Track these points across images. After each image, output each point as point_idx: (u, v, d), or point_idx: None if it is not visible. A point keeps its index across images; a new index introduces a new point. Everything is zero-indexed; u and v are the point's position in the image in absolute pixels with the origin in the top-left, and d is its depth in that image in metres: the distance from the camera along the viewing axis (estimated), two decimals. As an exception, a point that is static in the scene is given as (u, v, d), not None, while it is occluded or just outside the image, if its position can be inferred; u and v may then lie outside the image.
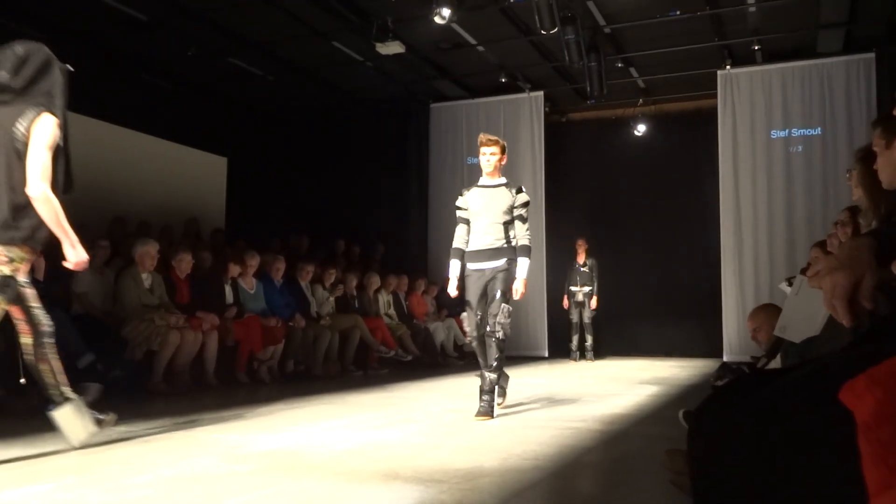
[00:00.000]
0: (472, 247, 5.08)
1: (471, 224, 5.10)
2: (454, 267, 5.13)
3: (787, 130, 10.10)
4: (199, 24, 8.66)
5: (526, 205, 5.07)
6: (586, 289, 10.50)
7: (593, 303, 10.50)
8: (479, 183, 5.16)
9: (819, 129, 9.94)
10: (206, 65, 9.80)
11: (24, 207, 3.32)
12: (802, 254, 8.92)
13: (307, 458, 3.47)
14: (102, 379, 5.78)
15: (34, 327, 3.49)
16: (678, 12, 8.61)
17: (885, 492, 0.74)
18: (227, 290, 7.45)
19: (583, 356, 10.52)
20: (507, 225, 5.01)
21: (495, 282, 4.92)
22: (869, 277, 1.16)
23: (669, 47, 9.54)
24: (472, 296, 5.01)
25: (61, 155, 3.46)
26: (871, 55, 9.58)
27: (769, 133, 10.16)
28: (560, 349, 10.92)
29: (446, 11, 7.70)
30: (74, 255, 3.49)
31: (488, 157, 5.06)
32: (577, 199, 12.00)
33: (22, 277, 3.40)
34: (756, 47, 9.76)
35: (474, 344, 5.03)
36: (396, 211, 11.88)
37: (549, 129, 11.59)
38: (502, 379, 5.15)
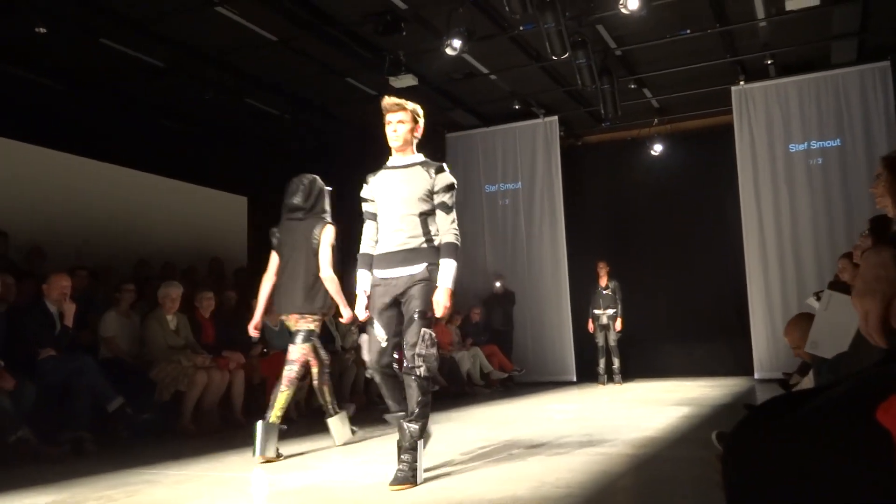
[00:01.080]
0: (379, 248, 3.87)
1: (378, 219, 3.92)
2: (362, 279, 3.88)
3: (805, 143, 10.03)
4: (215, 67, 8.82)
5: (450, 189, 3.83)
6: (610, 311, 10.42)
7: (618, 325, 10.41)
8: (388, 164, 3.96)
9: (838, 140, 9.86)
10: (223, 107, 9.96)
11: (315, 286, 4.92)
12: (829, 267, 8.80)
13: (339, 493, 3.45)
14: (132, 422, 5.83)
15: (319, 361, 5.17)
16: (688, 31, 8.63)
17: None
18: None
19: (611, 379, 10.41)
20: (426, 217, 3.80)
21: (410, 298, 3.70)
22: None
23: (681, 66, 9.54)
24: (377, 313, 3.78)
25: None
26: (887, 63, 9.52)
27: (788, 147, 10.10)
28: (588, 373, 10.82)
29: (457, 43, 7.78)
30: (346, 313, 4.89)
31: (395, 126, 3.87)
32: (597, 221, 11.97)
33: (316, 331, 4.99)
34: (769, 61, 9.74)
35: (376, 378, 3.81)
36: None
37: (566, 154, 11.61)
38: (421, 438, 3.69)
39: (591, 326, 10.57)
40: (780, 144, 10.13)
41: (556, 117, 11.34)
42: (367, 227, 3.97)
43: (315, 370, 5.17)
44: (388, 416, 3.87)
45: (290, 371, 4.82)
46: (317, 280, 4.89)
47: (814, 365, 4.19)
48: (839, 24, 8.68)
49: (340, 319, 5.09)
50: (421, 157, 3.92)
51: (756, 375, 9.87)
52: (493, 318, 11.36)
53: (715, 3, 8.05)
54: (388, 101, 3.90)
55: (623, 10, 7.40)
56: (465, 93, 10.59)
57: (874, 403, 0.81)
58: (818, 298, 4.94)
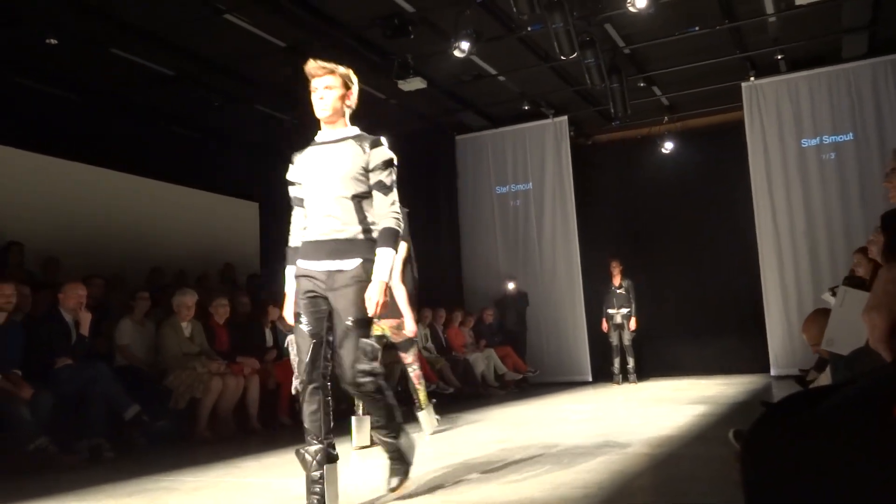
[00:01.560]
0: (306, 236, 3.24)
1: (306, 204, 3.27)
2: (291, 278, 3.27)
3: (818, 138, 9.97)
4: (224, 75, 8.87)
5: (387, 165, 3.22)
6: (624, 311, 10.39)
7: (632, 324, 10.37)
8: (316, 139, 3.36)
9: (851, 134, 9.80)
10: (233, 113, 10.01)
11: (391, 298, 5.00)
12: (845, 261, 8.74)
13: (356, 497, 3.45)
14: (148, 430, 5.85)
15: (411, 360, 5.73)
16: (697, 28, 8.60)
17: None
18: (267, 333, 7.51)
19: (626, 379, 10.37)
20: (361, 201, 3.18)
21: (341, 304, 3.05)
22: None
23: (691, 63, 9.51)
24: (302, 314, 3.12)
25: (410, 262, 5.68)
26: (898, 56, 9.45)
27: (800, 142, 10.04)
28: (604, 373, 10.78)
29: (465, 44, 7.79)
30: (412, 326, 5.44)
31: (321, 93, 3.31)
32: (608, 221, 11.93)
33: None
34: (779, 56, 9.69)
35: (303, 398, 3.11)
36: (428, 244, 11.88)
37: (576, 153, 11.60)
38: (404, 447, 3.35)
39: (605, 326, 10.54)
40: (792, 140, 10.07)
41: (565, 117, 11.33)
42: (296, 215, 3.35)
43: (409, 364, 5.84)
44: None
45: (412, 370, 5.75)
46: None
47: (831, 361, 4.16)
48: (849, 18, 8.62)
49: (405, 332, 5.54)
50: (355, 131, 3.33)
51: (772, 372, 9.81)
52: (507, 320, 11.35)
53: (723, -2, 8.02)
54: (312, 63, 3.32)
55: (631, 9, 7.39)
56: (474, 94, 10.59)
57: (891, 401, 0.80)
58: (833, 294, 4.90)
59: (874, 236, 4.77)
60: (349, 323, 3.04)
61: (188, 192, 9.94)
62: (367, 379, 3.07)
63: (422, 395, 5.78)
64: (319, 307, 3.11)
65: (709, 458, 3.98)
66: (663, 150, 11.52)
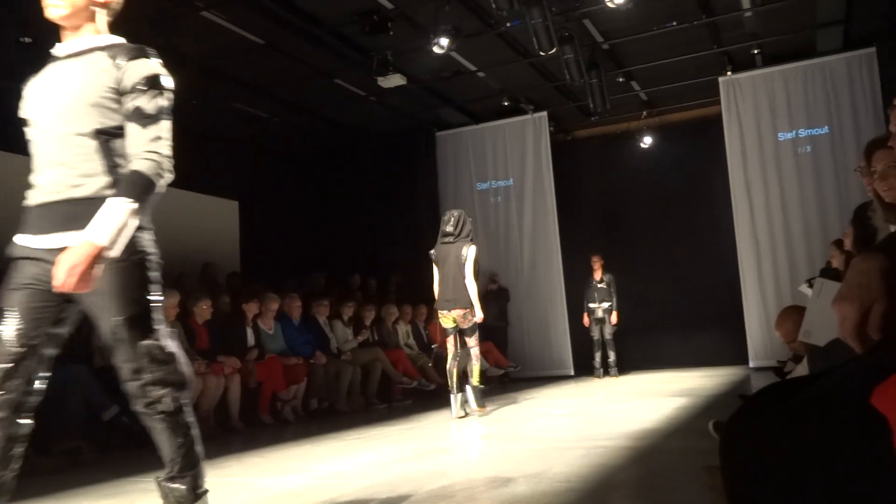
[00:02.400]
0: (30, 198, 2.30)
1: (32, 148, 2.32)
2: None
3: (794, 132, 10.07)
4: (201, 72, 8.78)
5: (152, 85, 2.24)
6: (605, 305, 10.44)
7: (613, 318, 10.42)
8: (54, 52, 2.42)
9: (826, 128, 9.91)
10: (212, 111, 9.93)
11: (463, 291, 6.37)
12: (821, 253, 8.84)
13: (337, 495, 3.44)
14: (127, 430, 5.80)
15: (456, 349, 6.55)
16: (675, 23, 8.65)
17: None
18: (248, 332, 7.47)
19: (607, 373, 10.43)
20: (109, 140, 2.23)
21: (98, 297, 2.15)
22: (878, 307, 1.11)
23: (669, 58, 9.57)
24: (7, 311, 2.17)
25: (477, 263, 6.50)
26: (872, 50, 9.56)
27: (776, 135, 10.14)
28: (585, 367, 10.84)
29: (444, 41, 7.78)
30: (479, 314, 6.46)
31: None
32: (589, 215, 11.99)
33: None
34: (756, 51, 9.77)
35: None
36: (410, 241, 11.90)
37: (556, 149, 11.63)
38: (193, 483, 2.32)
39: (586, 320, 10.59)
40: (769, 133, 10.16)
41: (545, 113, 11.35)
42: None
43: (461, 351, 6.59)
44: None
45: (475, 351, 6.58)
46: (464, 287, 6.38)
47: (808, 353, 4.20)
48: (824, 13, 8.72)
49: (475, 319, 6.46)
50: (108, 39, 2.34)
51: (751, 364, 9.91)
52: (488, 315, 11.34)
53: (700, -6, 8.07)
54: None
55: (609, 4, 7.42)
56: (453, 91, 10.58)
57: (868, 389, 0.81)
58: (810, 285, 4.95)
59: (848, 229, 4.83)
60: (116, 322, 2.16)
61: (167, 192, 9.83)
62: (161, 392, 2.20)
63: (476, 371, 6.59)
64: (45, 303, 2.18)
65: (690, 450, 4.01)
66: (642, 145, 11.58)
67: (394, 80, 8.97)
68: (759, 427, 0.98)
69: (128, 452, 5.59)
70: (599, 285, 10.51)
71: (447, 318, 6.49)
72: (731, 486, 1.03)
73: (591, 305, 10.53)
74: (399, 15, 7.87)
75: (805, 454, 0.90)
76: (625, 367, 10.78)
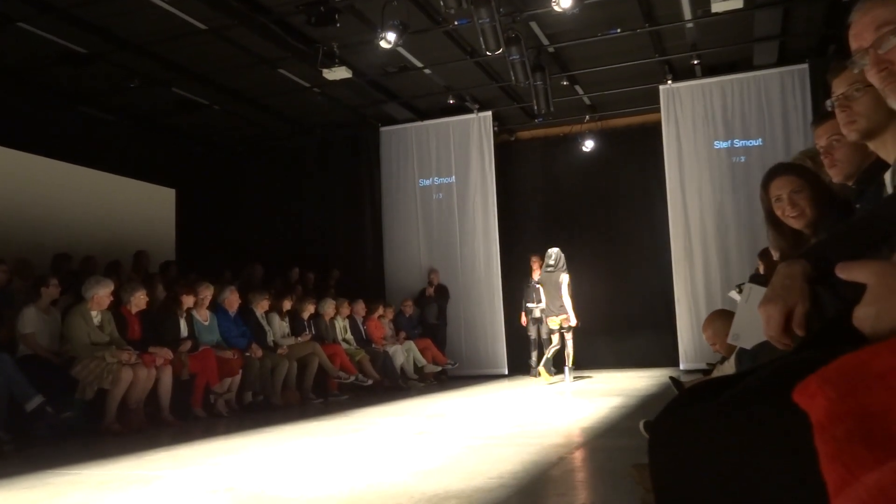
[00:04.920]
0: None
1: None
2: None
3: (729, 141, 10.37)
4: (141, 55, 8.56)
5: None
6: (542, 305, 10.55)
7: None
8: None
9: (760, 139, 10.23)
10: (150, 96, 9.68)
11: (561, 304, 9.03)
12: (752, 261, 9.12)
13: (271, 492, 3.40)
14: (52, 421, 5.62)
15: (563, 342, 9.25)
16: (618, 30, 8.80)
17: (843, 490, 0.75)
18: (182, 323, 7.30)
19: (556, 371, 10.54)
20: None
21: None
22: (801, 306, 1.22)
23: (612, 64, 9.73)
24: None
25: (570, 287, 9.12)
26: (805, 66, 9.91)
27: (712, 144, 10.41)
28: (519, 366, 10.94)
29: (392, 35, 7.74)
30: (573, 321, 9.11)
31: None
32: (529, 216, 12.11)
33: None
34: (695, 62, 10.02)
35: None
36: (351, 235, 11.84)
37: (499, 149, 11.72)
38: None
39: (523, 319, 10.69)
40: (705, 142, 10.44)
41: (490, 113, 11.42)
42: None
43: (556, 343, 9.32)
44: None
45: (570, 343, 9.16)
46: (561, 301, 9.07)
47: (736, 355, 4.34)
48: (761, 27, 8.99)
49: (570, 323, 9.13)
50: None
51: (681, 366, 10.17)
52: (427, 313, 11.37)
53: (644, 3, 8.23)
54: None
55: (556, 8, 7.49)
56: (399, 87, 10.55)
57: (791, 386, 0.84)
58: (740, 291, 5.10)
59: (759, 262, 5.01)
60: None
61: (100, 176, 9.56)
62: None
63: (571, 357, 9.21)
64: None
65: (621, 448, 4.09)
66: (584, 149, 11.75)
67: (339, 73, 8.90)
68: (685, 423, 1.01)
69: (52, 444, 5.42)
70: (537, 286, 10.62)
71: (554, 321, 9.19)
72: (658, 481, 1.05)
73: (529, 305, 10.64)
74: (347, 7, 7.80)
75: (729, 449, 0.93)
76: (561, 366, 10.89)
